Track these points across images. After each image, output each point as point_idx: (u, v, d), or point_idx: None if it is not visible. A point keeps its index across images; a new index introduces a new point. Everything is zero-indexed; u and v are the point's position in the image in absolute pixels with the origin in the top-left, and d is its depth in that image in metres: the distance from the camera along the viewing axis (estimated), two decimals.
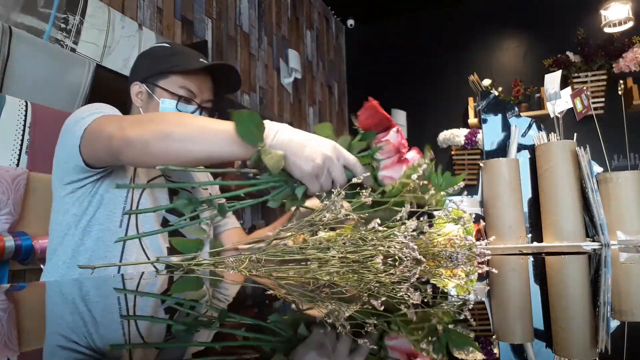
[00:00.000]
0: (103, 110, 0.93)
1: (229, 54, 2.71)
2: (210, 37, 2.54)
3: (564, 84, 2.65)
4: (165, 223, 1.03)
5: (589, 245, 1.12)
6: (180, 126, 0.76)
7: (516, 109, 1.44)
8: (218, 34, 2.62)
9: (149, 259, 0.97)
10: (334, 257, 0.59)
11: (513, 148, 1.37)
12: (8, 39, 1.35)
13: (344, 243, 0.61)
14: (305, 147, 0.68)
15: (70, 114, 0.97)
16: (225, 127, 0.73)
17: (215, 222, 1.21)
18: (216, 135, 0.73)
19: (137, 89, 1.08)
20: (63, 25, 1.60)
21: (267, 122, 0.70)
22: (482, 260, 0.78)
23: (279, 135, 0.69)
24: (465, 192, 0.80)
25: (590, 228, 1.21)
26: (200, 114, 1.09)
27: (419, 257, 0.61)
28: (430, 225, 0.82)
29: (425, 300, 0.41)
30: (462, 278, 0.59)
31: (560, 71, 1.47)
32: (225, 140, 0.72)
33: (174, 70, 1.06)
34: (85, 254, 0.94)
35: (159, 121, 0.79)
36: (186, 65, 1.08)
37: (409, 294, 0.43)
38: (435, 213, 0.87)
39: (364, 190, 0.65)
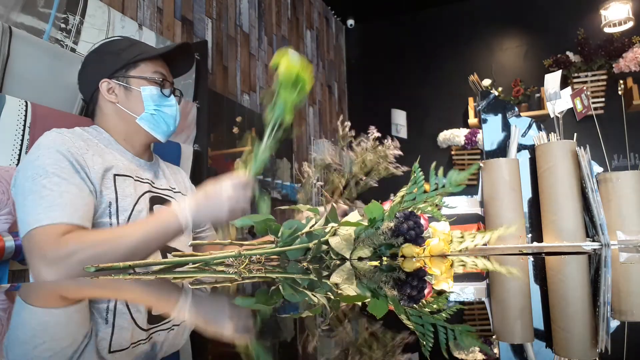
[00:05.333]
0: (50, 195, 0.89)
1: (229, 54, 2.71)
2: (210, 37, 2.54)
3: (564, 84, 2.65)
4: None
5: (589, 245, 1.12)
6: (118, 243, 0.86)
7: (516, 109, 1.44)
8: (218, 34, 2.62)
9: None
10: None
11: (513, 148, 1.37)
12: (8, 39, 1.35)
13: None
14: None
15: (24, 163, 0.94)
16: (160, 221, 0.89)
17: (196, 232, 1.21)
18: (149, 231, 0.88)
19: (106, 86, 1.03)
20: (63, 25, 1.60)
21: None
22: None
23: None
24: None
25: (590, 228, 1.21)
26: (175, 95, 1.09)
27: None
28: None
29: None
30: None
31: (560, 71, 1.47)
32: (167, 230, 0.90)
33: (143, 58, 1.04)
34: None
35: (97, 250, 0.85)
36: (153, 51, 1.07)
37: None
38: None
39: None
